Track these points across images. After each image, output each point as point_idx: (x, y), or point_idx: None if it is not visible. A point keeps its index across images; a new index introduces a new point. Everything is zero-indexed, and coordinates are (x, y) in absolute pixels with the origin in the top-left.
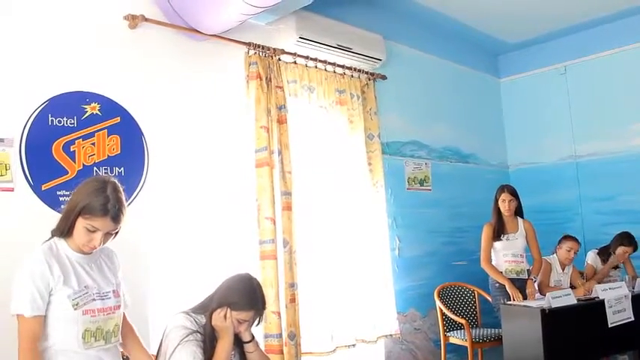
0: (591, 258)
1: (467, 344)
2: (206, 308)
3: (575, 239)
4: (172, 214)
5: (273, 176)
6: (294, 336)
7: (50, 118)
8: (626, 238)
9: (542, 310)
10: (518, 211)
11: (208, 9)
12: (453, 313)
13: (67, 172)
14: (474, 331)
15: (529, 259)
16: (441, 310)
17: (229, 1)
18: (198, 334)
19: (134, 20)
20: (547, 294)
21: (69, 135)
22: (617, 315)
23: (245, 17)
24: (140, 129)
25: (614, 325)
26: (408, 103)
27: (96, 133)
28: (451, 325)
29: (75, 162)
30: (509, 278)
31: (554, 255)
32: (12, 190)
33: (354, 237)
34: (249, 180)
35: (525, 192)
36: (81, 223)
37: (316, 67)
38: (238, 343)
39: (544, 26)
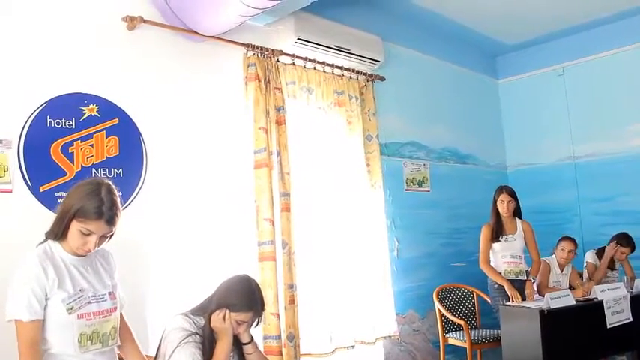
0: (590, 257)
1: (466, 345)
2: (205, 309)
3: (570, 239)
4: (171, 215)
5: (271, 177)
6: (293, 337)
7: (49, 120)
8: (623, 239)
9: (541, 311)
10: (517, 212)
11: (207, 10)
12: (452, 314)
13: (66, 174)
14: (472, 332)
15: (528, 260)
16: (440, 311)
17: (228, 2)
18: (197, 336)
19: (132, 21)
20: (546, 295)
21: (67, 136)
22: (616, 316)
23: (243, 18)
24: (139, 130)
25: (613, 325)
26: (406, 104)
27: (94, 135)
28: (450, 326)
29: (73, 163)
30: (508, 279)
31: (553, 256)
32: (10, 191)
33: (352, 238)
34: (248, 181)
35: (524, 193)
36: (75, 227)
37: (315, 68)
38: (237, 344)
39: (542, 27)
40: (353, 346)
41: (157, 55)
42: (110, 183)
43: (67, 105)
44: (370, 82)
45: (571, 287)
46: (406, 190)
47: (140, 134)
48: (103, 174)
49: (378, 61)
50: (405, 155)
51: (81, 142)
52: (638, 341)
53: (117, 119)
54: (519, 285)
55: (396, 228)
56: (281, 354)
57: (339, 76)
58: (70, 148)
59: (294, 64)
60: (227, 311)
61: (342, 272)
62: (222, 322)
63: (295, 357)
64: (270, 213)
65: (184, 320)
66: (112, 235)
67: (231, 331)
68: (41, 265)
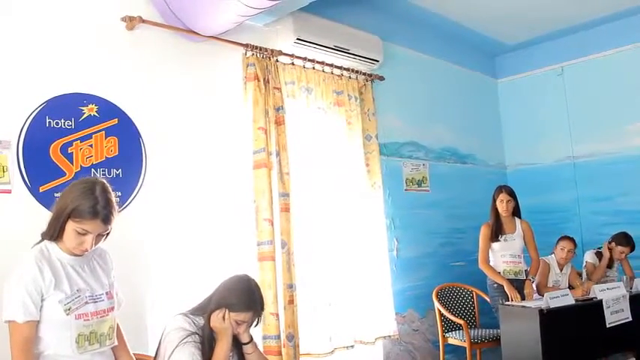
0: (590, 257)
1: (465, 345)
2: (204, 310)
3: (569, 239)
4: (170, 215)
5: (271, 177)
6: (292, 337)
7: (48, 120)
8: (623, 238)
9: (541, 311)
10: (516, 212)
11: (206, 10)
12: (452, 313)
13: (65, 174)
14: (472, 331)
15: (527, 259)
16: (440, 311)
17: (227, 2)
18: (197, 336)
19: (131, 22)
20: (545, 294)
21: (67, 137)
22: (615, 315)
23: (242, 19)
24: (138, 130)
25: (612, 325)
26: (405, 104)
27: (94, 135)
28: (449, 326)
29: (73, 164)
30: (507, 279)
31: (552, 255)
32: (9, 192)
33: (352, 238)
34: (247, 181)
35: (523, 192)
36: (71, 226)
37: (314, 68)
38: (237, 344)
39: (541, 27)
40: (352, 346)
41: (156, 55)
42: (104, 181)
43: (66, 105)
44: (369, 82)
45: (570, 287)
46: (406, 189)
47: (139, 134)
48: (103, 174)
49: (378, 60)
50: (405, 155)
51: (80, 142)
52: (637, 341)
53: (116, 119)
54: (518, 284)
55: (395, 228)
56: (280, 354)
57: (339, 76)
58: (69, 149)
59: (293, 64)
60: (227, 311)
61: (341, 272)
62: (222, 322)
63: (295, 357)
64: (270, 213)
65: (184, 320)
66: (108, 234)
67: (230, 331)
68: (37, 266)
